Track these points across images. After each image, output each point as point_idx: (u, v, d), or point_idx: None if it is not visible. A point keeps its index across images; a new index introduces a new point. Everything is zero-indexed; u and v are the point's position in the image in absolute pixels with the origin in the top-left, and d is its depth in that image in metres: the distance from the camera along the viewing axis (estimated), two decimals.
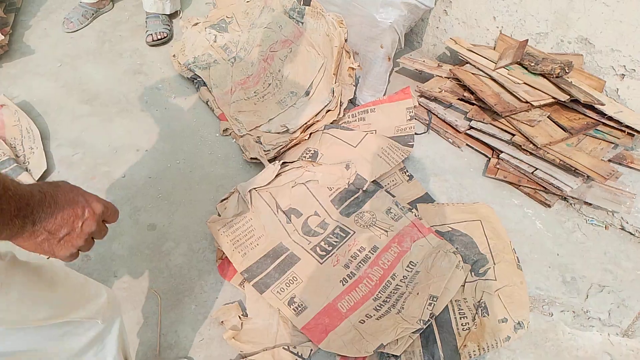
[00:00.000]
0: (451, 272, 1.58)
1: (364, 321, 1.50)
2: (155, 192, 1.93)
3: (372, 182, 1.89)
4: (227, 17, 2.56)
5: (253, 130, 2.09)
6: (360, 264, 1.66)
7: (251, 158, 2.00)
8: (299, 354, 1.47)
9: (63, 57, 2.55)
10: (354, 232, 1.74)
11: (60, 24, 2.71)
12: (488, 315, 1.53)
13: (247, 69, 2.32)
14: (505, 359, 1.50)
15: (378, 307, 1.54)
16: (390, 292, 1.58)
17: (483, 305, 1.55)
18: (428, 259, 1.64)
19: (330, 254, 1.68)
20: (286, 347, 1.47)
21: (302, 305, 1.55)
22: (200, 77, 2.34)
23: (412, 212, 1.80)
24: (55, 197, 0.67)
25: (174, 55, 2.49)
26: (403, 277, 1.61)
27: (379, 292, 1.59)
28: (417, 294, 1.54)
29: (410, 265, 1.64)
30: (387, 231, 1.74)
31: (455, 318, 1.53)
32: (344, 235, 1.74)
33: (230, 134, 2.14)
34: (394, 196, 1.86)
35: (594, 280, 1.69)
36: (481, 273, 1.64)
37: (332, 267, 1.65)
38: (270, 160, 1.99)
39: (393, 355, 1.46)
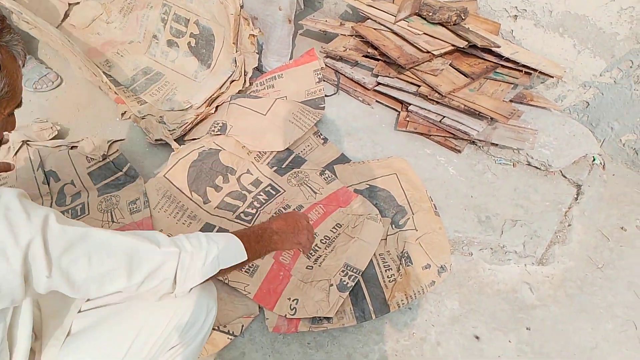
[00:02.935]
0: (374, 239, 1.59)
1: (305, 275, 1.52)
2: None
3: (285, 149, 1.85)
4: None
5: (155, 110, 1.97)
6: None
7: (156, 140, 1.89)
8: (230, 332, 1.44)
9: None
10: (284, 191, 1.74)
11: None
12: (412, 264, 1.56)
13: None
14: (432, 302, 1.54)
15: (310, 266, 1.55)
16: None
17: (406, 255, 1.57)
18: (353, 222, 1.64)
19: (256, 216, 1.67)
20: (216, 327, 1.42)
21: (252, 265, 1.52)
22: None
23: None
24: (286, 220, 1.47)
25: None
26: (324, 237, 1.61)
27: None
28: (334, 255, 1.56)
29: (336, 227, 1.64)
30: (316, 193, 1.73)
31: (381, 272, 1.55)
32: (274, 193, 1.74)
33: (130, 117, 2.01)
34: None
35: (507, 216, 1.77)
36: (401, 224, 1.66)
37: None
38: (177, 140, 1.89)
39: (325, 317, 1.45)
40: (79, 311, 1.05)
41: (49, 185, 1.68)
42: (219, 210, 1.71)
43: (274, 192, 1.75)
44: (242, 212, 1.69)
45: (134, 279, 0.88)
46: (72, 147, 1.75)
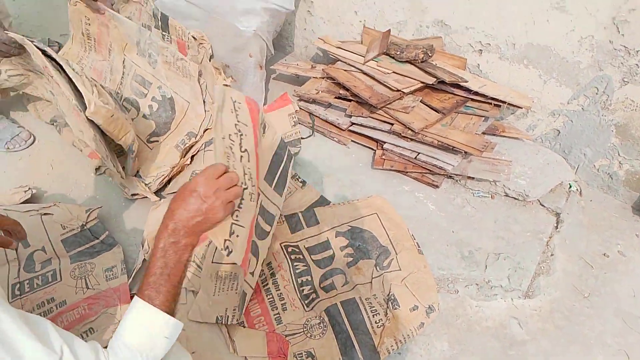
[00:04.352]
0: None
1: None
2: None
3: None
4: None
5: None
6: None
7: (132, 194, 1.86)
8: None
9: None
10: None
11: None
12: (399, 306, 1.53)
13: None
14: (421, 345, 1.51)
15: None
16: None
17: (392, 297, 1.55)
18: None
19: None
20: None
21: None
22: (60, 119, 2.14)
23: None
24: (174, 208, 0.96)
25: (28, 99, 2.25)
26: None
27: None
28: None
29: None
30: None
31: (369, 317, 1.52)
32: None
33: (104, 171, 1.97)
34: None
35: (489, 249, 1.76)
36: (385, 266, 1.64)
37: None
38: (155, 193, 1.86)
39: None
40: None
41: (16, 251, 1.62)
42: None
43: None
44: None
45: None
46: (45, 214, 1.70)
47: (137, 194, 1.87)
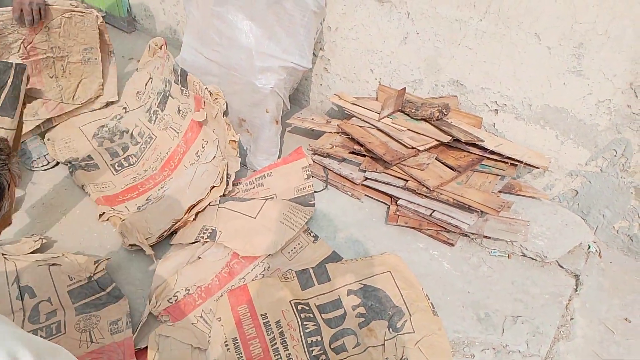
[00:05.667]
0: None
1: None
2: None
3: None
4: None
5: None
6: None
7: (130, 245, 1.85)
8: None
9: None
10: None
11: None
12: None
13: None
14: None
15: None
16: None
17: None
18: None
19: None
20: None
21: None
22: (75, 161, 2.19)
23: None
24: None
25: (48, 139, 2.30)
26: None
27: None
28: None
29: None
30: None
31: None
32: None
33: (108, 219, 1.97)
34: None
35: (506, 312, 1.71)
36: (399, 328, 1.59)
37: None
38: (152, 246, 1.85)
39: None
40: None
41: (22, 302, 1.61)
42: None
43: None
44: None
45: None
46: (53, 264, 1.69)
47: (135, 245, 1.86)
